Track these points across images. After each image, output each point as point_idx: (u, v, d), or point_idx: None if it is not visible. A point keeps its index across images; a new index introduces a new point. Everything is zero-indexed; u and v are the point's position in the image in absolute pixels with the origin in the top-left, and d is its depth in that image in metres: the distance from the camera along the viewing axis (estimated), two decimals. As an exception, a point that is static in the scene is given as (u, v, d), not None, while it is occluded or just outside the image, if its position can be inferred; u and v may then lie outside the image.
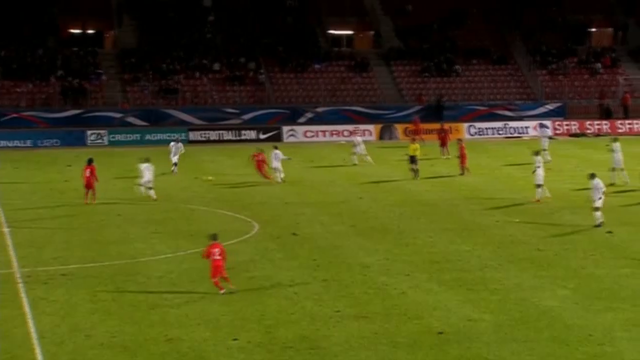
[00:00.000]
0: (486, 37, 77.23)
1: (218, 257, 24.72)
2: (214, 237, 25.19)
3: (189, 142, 62.93)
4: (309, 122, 67.39)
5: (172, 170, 47.52)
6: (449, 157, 51.67)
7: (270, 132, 65.24)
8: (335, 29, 77.80)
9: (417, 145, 45.88)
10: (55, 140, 61.59)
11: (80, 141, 62.05)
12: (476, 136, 66.59)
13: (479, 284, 25.55)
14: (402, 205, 38.36)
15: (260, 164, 44.68)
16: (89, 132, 63.02)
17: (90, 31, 73.88)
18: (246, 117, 68.02)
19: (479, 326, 21.80)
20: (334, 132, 65.78)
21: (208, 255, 24.83)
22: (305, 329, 21.69)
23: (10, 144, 61.15)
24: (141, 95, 69.38)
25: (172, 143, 49.43)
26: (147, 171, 39.70)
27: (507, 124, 68.32)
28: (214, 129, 65.13)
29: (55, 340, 20.74)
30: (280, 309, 23.31)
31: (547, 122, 66.68)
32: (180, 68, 71.57)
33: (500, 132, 67.65)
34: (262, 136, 64.60)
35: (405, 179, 45.34)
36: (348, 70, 74.44)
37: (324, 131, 65.00)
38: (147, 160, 40.25)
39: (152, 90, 69.53)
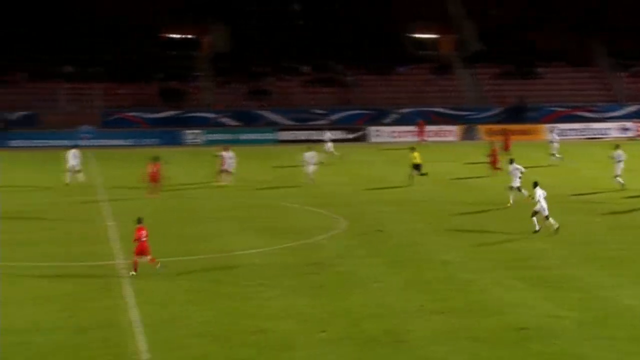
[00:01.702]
0: (567, 40, 75.89)
1: (144, 239, 25.68)
2: (139, 220, 26.17)
3: (278, 141, 63.43)
4: (394, 122, 67.23)
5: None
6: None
7: (357, 132, 65.32)
8: (419, 33, 77.44)
9: (417, 154, 43.98)
10: (155, 140, 62.75)
11: (178, 140, 63.13)
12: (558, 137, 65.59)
13: (559, 282, 25.19)
14: (482, 204, 38.03)
15: None
16: (186, 132, 64.05)
17: (187, 36, 75.07)
18: (333, 117, 68.21)
19: (560, 323, 21.50)
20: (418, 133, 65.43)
21: (137, 237, 25.73)
22: (389, 322, 21.68)
23: (114, 143, 62.53)
24: (234, 97, 70.17)
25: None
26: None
27: (589, 126, 67.17)
28: (302, 129, 65.47)
29: (155, 329, 21.13)
30: (366, 303, 23.34)
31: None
32: (271, 71, 72.16)
33: (582, 133, 66.49)
34: (349, 136, 64.74)
35: (482, 176, 44.94)
36: (431, 72, 74.05)
37: (408, 132, 64.76)
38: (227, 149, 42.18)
39: (244, 92, 70.25)
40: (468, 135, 65.52)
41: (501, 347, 20.01)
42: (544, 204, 31.32)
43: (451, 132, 65.90)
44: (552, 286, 24.76)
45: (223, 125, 66.56)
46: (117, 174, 48.42)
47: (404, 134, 65.08)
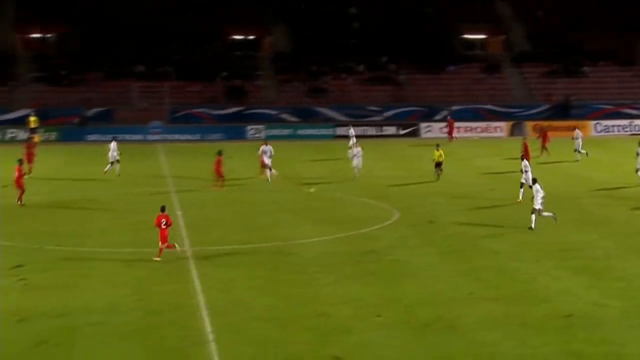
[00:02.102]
0: (613, 40, 74.52)
1: (164, 227, 25.66)
2: (162, 208, 26.25)
3: (335, 137, 63.35)
4: (445, 119, 66.72)
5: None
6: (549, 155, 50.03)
7: (409, 128, 65.01)
8: (469, 34, 76.77)
9: (440, 152, 42.40)
10: (220, 134, 63.08)
11: (241, 135, 63.38)
12: (602, 133, 64.67)
13: (604, 272, 24.74)
14: (528, 196, 37.45)
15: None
16: (248, 127, 64.30)
17: (250, 37, 75.40)
18: (387, 114, 67.97)
19: (605, 311, 21.11)
20: (468, 129, 64.97)
21: (157, 224, 25.80)
22: (441, 309, 21.50)
23: (182, 137, 63.06)
24: (293, 95, 70.27)
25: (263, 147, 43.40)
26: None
27: (633, 122, 65.99)
28: (358, 125, 65.24)
29: (219, 312, 21.23)
30: (418, 290, 23.18)
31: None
32: (328, 70, 72.13)
33: (626, 129, 65.30)
34: (401, 132, 64.43)
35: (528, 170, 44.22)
36: (481, 72, 73.37)
37: (458, 127, 64.17)
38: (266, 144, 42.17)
39: (303, 90, 70.31)
40: (516, 131, 64.71)
41: (548, 333, 19.71)
42: (539, 200, 30.43)
43: (500, 128, 65.24)
44: (597, 276, 24.33)
45: (283, 120, 66.69)
46: (184, 167, 48.80)
47: (454, 129, 64.43)
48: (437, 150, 42.39)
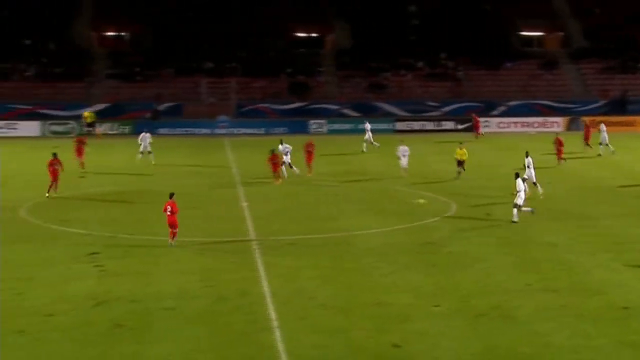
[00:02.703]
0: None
1: (169, 214, 25.93)
2: (170, 195, 26.59)
3: (395, 131, 63.16)
4: (502, 114, 66.02)
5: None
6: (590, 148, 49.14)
7: (467, 123, 64.44)
8: (526, 31, 75.75)
9: (464, 150, 40.95)
10: (283, 128, 63.33)
11: (304, 129, 63.52)
12: (658, 128, 63.35)
13: (660, 266, 24.29)
14: (584, 190, 37.01)
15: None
16: (311, 122, 64.47)
17: (312, 35, 75.55)
18: (445, 109, 67.51)
19: (660, 304, 20.75)
20: (525, 124, 64.18)
21: (164, 210, 26.28)
22: (497, 299, 21.37)
23: (248, 131, 63.54)
24: (354, 90, 70.23)
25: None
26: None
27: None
28: (417, 120, 65.07)
29: (283, 299, 21.41)
30: (475, 280, 23.07)
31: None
32: (388, 66, 71.92)
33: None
34: (459, 127, 63.94)
35: (584, 164, 43.62)
36: (538, 68, 72.35)
37: (515, 122, 63.42)
38: (282, 142, 41.77)
39: (364, 86, 70.23)
40: (573, 126, 63.67)
41: (604, 324, 19.47)
42: (522, 195, 30.20)
43: (557, 124, 64.27)
44: (653, 269, 23.88)
45: (344, 115, 66.70)
46: (249, 160, 49.17)
47: (511, 124, 63.84)
48: (461, 148, 40.93)
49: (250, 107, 67.09)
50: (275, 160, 39.67)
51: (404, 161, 41.48)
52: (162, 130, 63.04)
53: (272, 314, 20.27)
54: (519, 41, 75.32)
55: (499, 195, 36.27)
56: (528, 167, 35.86)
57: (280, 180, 39.40)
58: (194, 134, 62.00)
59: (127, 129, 62.96)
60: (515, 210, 30.17)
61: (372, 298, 21.51)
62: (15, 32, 70.65)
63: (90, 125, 61.00)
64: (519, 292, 21.93)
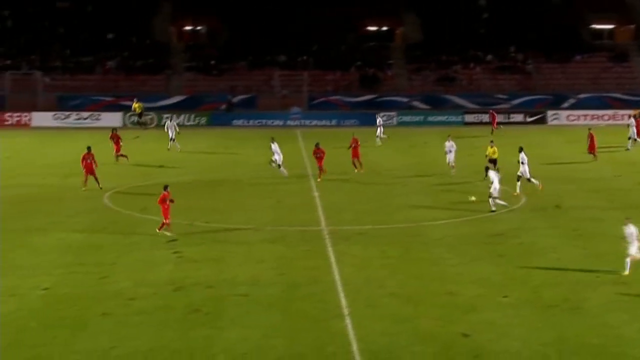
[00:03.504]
0: None
1: (168, 203, 25.79)
2: (165, 187, 26.43)
3: (464, 124, 62.46)
4: (571, 107, 64.68)
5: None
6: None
7: (536, 115, 63.33)
8: (597, 24, 73.97)
9: (495, 149, 39.29)
10: (354, 120, 63.21)
11: (375, 121, 63.24)
12: None
13: None
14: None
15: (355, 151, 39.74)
16: (381, 114, 64.08)
17: (383, 28, 75.19)
18: (515, 102, 66.44)
19: None
20: (594, 117, 62.72)
21: (162, 201, 26.07)
22: (567, 290, 20.96)
23: (319, 123, 63.61)
24: (424, 83, 69.67)
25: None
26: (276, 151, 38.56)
27: None
28: (486, 113, 64.09)
29: (354, 288, 21.39)
30: (545, 272, 22.66)
31: None
32: (458, 59, 71.11)
33: None
34: (528, 119, 62.86)
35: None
36: (608, 60, 70.59)
37: (585, 115, 62.04)
38: (273, 140, 39.23)
39: (433, 79, 69.61)
40: (643, 118, 61.98)
41: (676, 318, 18.89)
42: (497, 185, 30.26)
43: (627, 117, 62.49)
44: None
45: (414, 108, 66.24)
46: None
47: (581, 117, 62.44)
48: (492, 147, 39.46)
49: (322, 99, 67.14)
50: (319, 155, 38.39)
51: (450, 157, 39.82)
52: (236, 122, 63.66)
53: (343, 302, 20.27)
54: (589, 34, 73.61)
55: (567, 187, 35.54)
56: (522, 163, 34.41)
57: (323, 175, 37.88)
58: (267, 126, 62.36)
59: (203, 120, 63.72)
60: (490, 200, 30.44)
61: (440, 288, 21.33)
62: (98, 27, 72.15)
63: (140, 115, 61.46)
64: (589, 283, 21.47)
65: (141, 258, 24.27)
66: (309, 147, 50.37)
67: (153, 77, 69.50)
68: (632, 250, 22.53)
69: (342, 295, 20.78)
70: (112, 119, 62.48)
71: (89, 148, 36.43)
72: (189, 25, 75.58)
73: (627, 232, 22.80)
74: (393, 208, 31.74)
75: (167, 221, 26.43)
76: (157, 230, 26.42)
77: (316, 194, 34.52)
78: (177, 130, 48.78)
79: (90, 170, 35.30)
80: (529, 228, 27.97)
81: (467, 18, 74.03)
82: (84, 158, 35.84)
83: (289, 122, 63.24)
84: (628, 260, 22.29)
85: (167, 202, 26.51)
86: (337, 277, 22.29)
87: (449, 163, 39.87)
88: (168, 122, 49.58)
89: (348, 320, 19.04)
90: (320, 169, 38.18)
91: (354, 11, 74.06)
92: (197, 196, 34.34)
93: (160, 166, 42.14)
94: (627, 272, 22.10)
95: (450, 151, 40.03)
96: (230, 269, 23.10)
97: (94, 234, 27.14)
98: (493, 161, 39.91)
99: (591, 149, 43.09)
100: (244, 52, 71.62)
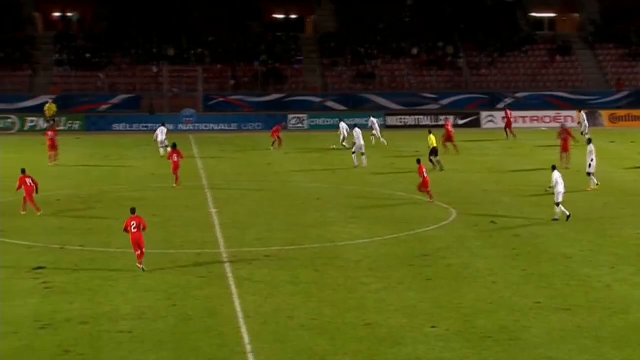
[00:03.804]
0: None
1: (134, 230, 25.34)
2: (132, 210, 25.96)
3: (386, 127, 63.28)
4: (508, 108, 66.35)
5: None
6: None
7: (468, 117, 64.65)
8: (537, 12, 76.06)
9: (433, 137, 43.98)
10: (257, 124, 63.34)
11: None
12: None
13: (689, 280, 24.42)
14: (606, 195, 37.16)
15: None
16: (289, 117, 64.46)
17: (292, 16, 75.60)
18: (444, 102, 67.72)
19: (690, 324, 20.85)
20: (534, 118, 64.48)
21: (126, 228, 25.57)
22: (504, 319, 21.41)
23: (217, 127, 63.43)
24: (339, 80, 70.32)
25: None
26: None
27: None
28: (411, 114, 65.21)
29: (259, 320, 21.37)
30: (479, 297, 23.11)
31: None
32: (378, 52, 72.01)
33: None
34: (459, 122, 64.06)
35: (608, 168, 43.84)
36: (549, 54, 72.66)
37: (523, 117, 63.75)
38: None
39: (351, 75, 70.31)
40: (590, 120, 64.00)
41: (627, 347, 19.52)
42: (560, 189, 31.42)
43: (571, 118, 64.52)
44: (682, 284, 24.02)
45: (328, 109, 66.77)
46: (217, 160, 49.05)
47: (519, 119, 63.97)
48: (430, 134, 43.74)
49: (220, 99, 67.03)
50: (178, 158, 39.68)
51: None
52: (117, 127, 62.95)
53: (245, 337, 20.23)
54: (528, 24, 75.72)
55: (504, 200, 36.40)
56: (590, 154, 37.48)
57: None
58: (153, 130, 61.83)
59: (77, 124, 62.80)
60: (556, 208, 31.62)
61: (359, 318, 21.51)
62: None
63: (53, 119, 60.39)
64: (529, 311, 21.99)
65: None
66: (204, 155, 50.28)
67: (13, 73, 68.09)
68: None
69: (244, 328, 20.74)
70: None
71: (174, 145, 40.52)
72: (57, 12, 74.39)
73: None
74: (305, 225, 31.91)
75: (143, 250, 25.53)
76: (141, 266, 25.50)
77: (213, 210, 34.39)
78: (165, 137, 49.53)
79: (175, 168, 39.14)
80: (460, 247, 28.51)
81: (389, 5, 75.09)
82: (170, 155, 39.80)
83: (180, 127, 62.86)
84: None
85: (134, 229, 25.48)
86: (238, 307, 22.25)
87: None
88: (161, 127, 50.17)
89: (251, 359, 19.02)
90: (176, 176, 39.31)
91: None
92: (71, 214, 33.77)
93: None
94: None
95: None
96: (110, 301, 22.78)
97: (-58, 262, 26.35)
98: (434, 151, 41.89)
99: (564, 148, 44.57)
100: (125, 44, 70.88)
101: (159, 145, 49.12)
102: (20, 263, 26.30)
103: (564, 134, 45.28)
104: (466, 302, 22.68)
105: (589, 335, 20.23)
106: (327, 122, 64.37)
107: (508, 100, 67.05)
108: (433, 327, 20.89)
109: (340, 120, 54.38)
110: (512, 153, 51.17)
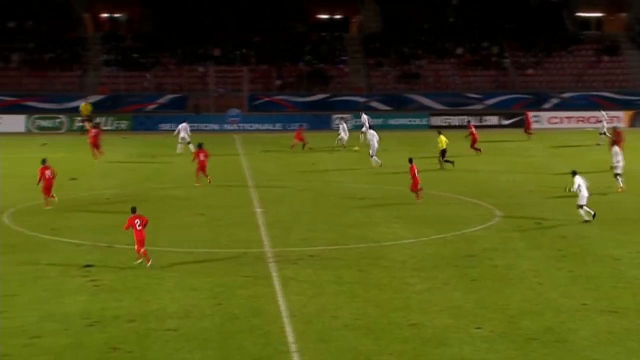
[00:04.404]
0: None
1: (139, 228, 25.55)
2: (133, 209, 26.19)
3: (430, 127, 63.04)
4: (554, 108, 65.82)
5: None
6: None
7: (514, 117, 64.18)
8: (583, 12, 75.31)
9: (444, 138, 44.28)
10: (303, 124, 63.33)
11: (326, 125, 63.59)
12: None
13: None
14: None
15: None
16: (333, 116, 64.43)
17: (337, 16, 75.59)
18: (489, 102, 67.29)
19: None
20: (580, 119, 63.83)
21: (129, 226, 25.80)
22: (550, 320, 21.19)
23: (262, 127, 63.64)
24: (384, 80, 70.18)
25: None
26: None
27: None
28: (455, 114, 64.90)
29: (303, 319, 21.36)
30: (524, 299, 22.90)
31: None
32: (423, 52, 71.73)
33: None
34: (504, 122, 63.65)
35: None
36: (596, 54, 71.90)
37: (569, 117, 63.19)
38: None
39: (395, 75, 70.13)
40: (638, 121, 63.33)
41: (674, 351, 19.23)
42: (585, 192, 31.12)
43: (617, 118, 63.79)
44: None
45: (373, 109, 66.65)
46: (262, 160, 49.19)
47: (565, 119, 63.52)
48: (440, 135, 44.14)
49: (265, 99, 67.23)
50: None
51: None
52: (163, 126, 63.42)
53: (290, 336, 20.23)
54: (575, 24, 75.02)
55: (551, 200, 36.07)
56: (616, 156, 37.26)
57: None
58: (200, 130, 62.25)
59: (125, 124, 63.46)
60: (580, 210, 31.25)
61: (404, 318, 21.41)
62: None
63: (89, 119, 61.01)
64: (575, 312, 21.75)
65: (48, 288, 23.95)
66: (249, 155, 50.46)
67: (63, 73, 68.87)
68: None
69: (288, 328, 20.74)
70: (15, 122, 61.86)
71: (200, 145, 40.86)
72: (106, 12, 75.16)
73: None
74: (349, 225, 31.85)
75: (142, 249, 25.84)
76: (141, 262, 25.83)
77: (258, 209, 34.48)
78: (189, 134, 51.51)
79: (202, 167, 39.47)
80: (506, 249, 28.29)
81: (434, 5, 74.81)
82: (197, 154, 40.15)
83: (226, 126, 63.17)
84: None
85: (139, 227, 25.84)
86: (283, 307, 22.25)
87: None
88: (183, 124, 52.05)
89: (296, 358, 19.02)
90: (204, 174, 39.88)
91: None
92: (118, 213, 34.04)
93: (73, 178, 41.72)
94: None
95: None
96: (156, 300, 22.91)
97: (-8, 260, 26.73)
98: (443, 152, 41.59)
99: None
100: (172, 44, 71.37)
101: (179, 142, 50.35)
102: (70, 261, 26.57)
103: (616, 135, 44.89)
104: (511, 303, 22.49)
105: (636, 338, 19.96)
106: (372, 122, 64.17)
107: (554, 101, 66.43)
108: (478, 328, 20.74)
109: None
110: (557, 154, 50.71)
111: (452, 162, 43.68)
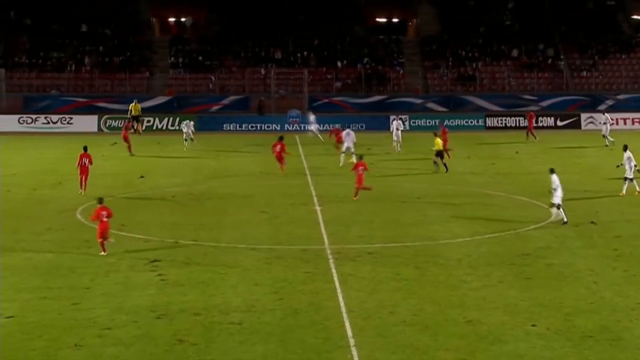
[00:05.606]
0: None
1: (105, 220, 26.01)
2: (100, 200, 26.73)
3: (486, 128, 62.53)
4: (609, 109, 64.82)
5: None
6: None
7: (569, 119, 63.43)
8: (638, 14, 74.12)
9: (439, 140, 42.91)
10: (361, 125, 63.32)
11: (384, 126, 63.26)
12: None
13: None
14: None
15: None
16: (391, 117, 64.16)
17: (394, 20, 75.41)
18: (544, 104, 66.60)
19: None
20: (636, 120, 62.85)
21: (96, 217, 26.25)
22: (605, 319, 20.94)
23: (321, 128, 63.48)
24: (441, 82, 69.86)
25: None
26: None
27: None
28: (511, 116, 64.31)
29: (362, 315, 21.39)
30: (579, 297, 22.66)
31: None
32: (479, 55, 71.26)
33: None
34: (559, 123, 62.95)
35: None
36: (650, 57, 70.83)
37: (625, 119, 62.22)
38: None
39: (452, 77, 69.77)
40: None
41: None
42: (559, 192, 30.54)
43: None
44: None
45: (429, 110, 66.38)
46: (320, 160, 49.26)
47: (620, 121, 62.49)
48: (436, 136, 42.95)
49: (324, 100, 67.33)
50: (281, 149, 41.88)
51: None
52: (227, 127, 63.93)
53: (349, 331, 20.26)
54: (630, 26, 73.88)
55: (604, 201, 35.60)
56: (629, 161, 36.00)
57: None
58: (262, 130, 62.60)
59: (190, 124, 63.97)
60: (555, 210, 30.76)
61: (460, 315, 21.33)
62: (70, 18, 72.46)
63: (136, 118, 61.47)
64: (631, 311, 21.46)
65: (119, 281, 24.31)
66: (309, 154, 50.57)
67: (132, 75, 69.76)
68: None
69: (347, 323, 20.78)
70: (86, 122, 62.70)
71: (280, 138, 42.89)
72: (172, 16, 75.93)
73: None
74: (406, 223, 31.79)
75: (100, 240, 26.53)
76: (103, 253, 26.47)
77: (317, 207, 34.57)
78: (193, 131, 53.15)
79: (280, 160, 41.13)
80: (561, 247, 28.01)
81: (490, 8, 74.24)
82: (274, 146, 41.82)
83: (287, 127, 63.38)
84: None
85: (105, 218, 26.52)
86: (342, 302, 22.31)
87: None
88: (186, 121, 54.15)
89: (355, 352, 19.05)
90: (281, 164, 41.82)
91: (361, 0, 74.37)
92: (183, 210, 34.40)
93: (141, 177, 42.24)
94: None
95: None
96: (220, 294, 23.13)
97: (65, 254, 27.18)
98: (439, 153, 41.35)
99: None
100: (235, 48, 71.88)
101: (185, 137, 51.85)
102: (139, 256, 26.93)
103: None
104: (567, 302, 22.27)
105: (692, 338, 19.64)
106: (429, 122, 63.96)
107: (610, 102, 65.47)
108: (533, 325, 20.58)
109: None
110: (612, 154, 49.91)
111: (447, 168, 42.68)
